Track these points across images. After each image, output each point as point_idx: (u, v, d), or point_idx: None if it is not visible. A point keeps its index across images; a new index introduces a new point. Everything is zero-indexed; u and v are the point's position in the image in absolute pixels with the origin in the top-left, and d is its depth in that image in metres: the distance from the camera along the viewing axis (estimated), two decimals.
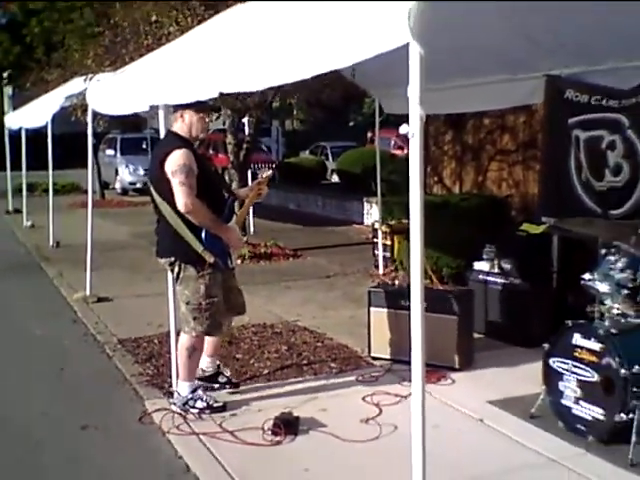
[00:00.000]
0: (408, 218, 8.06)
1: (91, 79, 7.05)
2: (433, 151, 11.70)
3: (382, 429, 4.15)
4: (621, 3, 4.15)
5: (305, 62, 2.64)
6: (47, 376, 5.30)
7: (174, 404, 4.47)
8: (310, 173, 18.79)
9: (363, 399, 4.62)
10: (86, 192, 8.72)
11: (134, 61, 6.72)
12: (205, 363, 4.72)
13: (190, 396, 4.43)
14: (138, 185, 19.68)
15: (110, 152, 21.50)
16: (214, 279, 4.28)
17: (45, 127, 10.42)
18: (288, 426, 4.13)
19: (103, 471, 3.83)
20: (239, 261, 7.74)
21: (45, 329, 6.48)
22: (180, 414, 4.38)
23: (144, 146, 20.16)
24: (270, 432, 4.11)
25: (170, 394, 4.67)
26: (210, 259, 4.20)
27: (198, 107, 4.28)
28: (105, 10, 12.00)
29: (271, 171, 4.82)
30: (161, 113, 4.67)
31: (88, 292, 7.51)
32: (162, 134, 4.71)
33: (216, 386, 4.75)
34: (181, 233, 4.19)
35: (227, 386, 4.80)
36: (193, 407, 4.41)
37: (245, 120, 10.23)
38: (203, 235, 4.19)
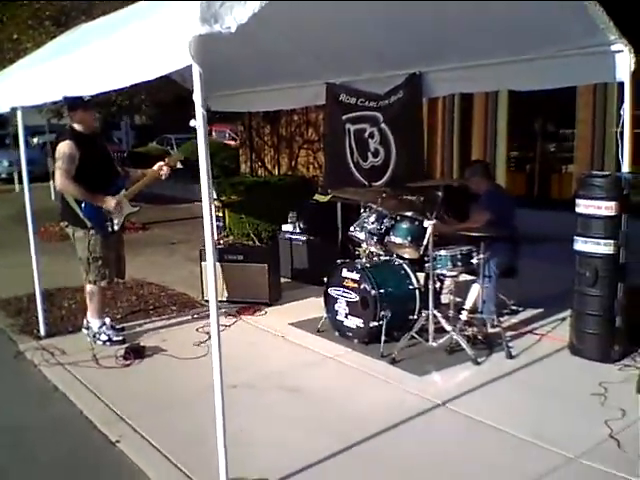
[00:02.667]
0: (234, 194, 8.60)
1: None
2: (256, 141, 12.23)
3: (210, 349, 4.66)
4: (372, 32, 4.90)
5: (118, 75, 3.03)
6: None
7: (88, 335, 4.87)
8: (156, 160, 18.47)
9: (196, 330, 5.05)
10: None
11: None
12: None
13: (97, 330, 4.83)
14: (3, 175, 18.85)
15: None
16: (97, 239, 4.65)
17: None
18: (136, 352, 4.56)
19: None
20: None
21: None
22: (47, 351, 4.67)
23: (7, 142, 19.09)
24: (122, 358, 4.51)
25: (38, 338, 4.93)
26: (88, 223, 4.59)
27: (85, 106, 4.59)
28: None
29: (175, 155, 5.09)
30: (19, 113, 4.80)
31: None
32: (20, 131, 4.90)
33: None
34: (70, 203, 4.60)
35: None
36: (99, 339, 4.81)
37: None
38: (83, 205, 4.57)
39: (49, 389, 4.11)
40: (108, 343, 4.81)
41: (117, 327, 5.12)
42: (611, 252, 4.01)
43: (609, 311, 4.08)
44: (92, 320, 4.87)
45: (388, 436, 3.33)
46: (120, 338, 4.87)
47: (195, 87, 2.59)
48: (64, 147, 4.52)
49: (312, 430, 3.42)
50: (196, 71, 2.57)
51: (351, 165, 6.18)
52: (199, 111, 2.62)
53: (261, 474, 2.96)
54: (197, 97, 2.61)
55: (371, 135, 5.88)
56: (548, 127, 9.59)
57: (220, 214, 9.19)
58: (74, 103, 4.57)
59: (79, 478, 3.14)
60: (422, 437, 3.33)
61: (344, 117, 6.07)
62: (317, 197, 6.76)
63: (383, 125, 5.76)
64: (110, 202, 4.63)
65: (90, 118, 4.74)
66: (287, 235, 6.72)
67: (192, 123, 2.67)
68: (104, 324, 4.89)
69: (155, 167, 5.01)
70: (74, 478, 3.14)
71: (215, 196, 8.79)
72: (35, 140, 19.82)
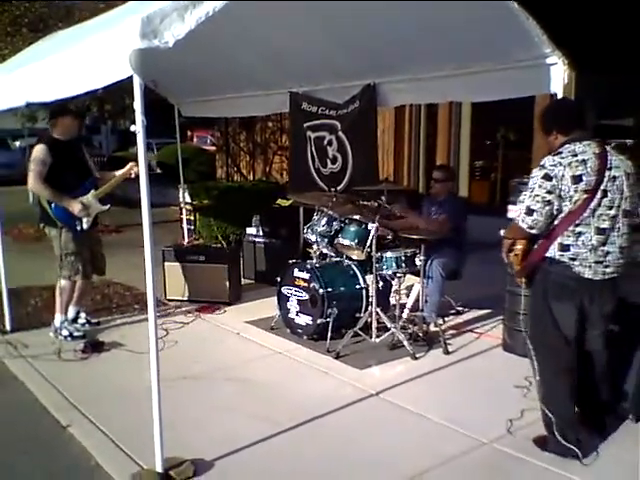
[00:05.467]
0: (208, 198, 8.83)
1: None
2: (232, 147, 12.48)
3: (166, 344, 4.89)
4: (326, 46, 5.19)
5: (72, 83, 3.28)
6: None
7: (51, 331, 5.10)
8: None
9: None
10: None
11: None
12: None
13: (59, 326, 5.08)
14: None
15: None
16: (68, 237, 4.92)
17: None
18: (94, 347, 4.81)
19: None
20: None
21: None
22: (11, 344, 4.91)
23: None
24: (81, 352, 4.74)
25: (4, 332, 5.17)
26: (58, 223, 4.88)
27: (64, 115, 4.90)
28: None
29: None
30: None
31: None
32: None
33: (78, 325, 5.31)
34: (43, 204, 4.91)
35: (87, 325, 5.38)
36: (61, 334, 5.06)
37: None
38: (53, 206, 4.86)
39: (9, 378, 4.34)
40: (69, 338, 5.05)
41: (92, 321, 5.44)
42: None
43: None
44: (56, 315, 5.12)
45: (320, 421, 3.59)
46: (81, 334, 5.11)
47: (135, 96, 2.83)
48: (36, 151, 4.84)
49: (251, 417, 3.67)
50: (136, 82, 2.81)
51: (312, 171, 6.44)
52: (139, 119, 2.86)
53: (197, 455, 3.21)
54: (137, 106, 2.85)
55: (329, 143, 6.15)
56: (510, 136, 9.94)
57: (192, 217, 9.45)
58: (53, 112, 4.94)
59: (31, 457, 3.36)
60: (351, 422, 3.60)
61: (305, 125, 6.34)
62: (279, 201, 7.02)
63: (340, 133, 6.03)
64: (74, 206, 4.88)
65: (68, 126, 4.96)
66: (251, 238, 6.97)
67: (132, 128, 2.89)
68: (66, 320, 5.13)
69: (126, 167, 5.22)
70: (26, 457, 3.36)
71: (188, 200, 9.05)
72: (17, 144, 19.97)
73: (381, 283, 4.87)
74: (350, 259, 5.06)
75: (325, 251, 5.12)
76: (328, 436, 3.45)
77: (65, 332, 5.08)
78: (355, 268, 5.01)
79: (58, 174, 4.84)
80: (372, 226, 4.59)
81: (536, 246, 3.07)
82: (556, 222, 2.96)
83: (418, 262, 4.67)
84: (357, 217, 4.89)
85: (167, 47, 2.84)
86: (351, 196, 5.43)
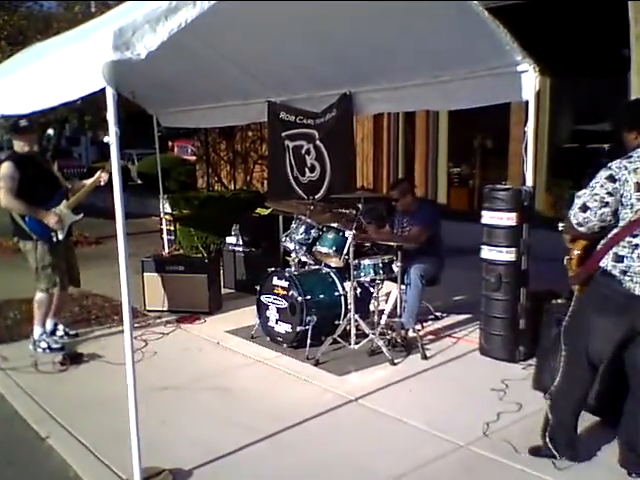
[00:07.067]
0: (188, 208, 8.81)
1: None
2: (213, 157, 12.49)
3: (145, 355, 4.91)
4: (303, 57, 5.26)
5: (46, 96, 3.28)
6: None
7: (30, 343, 5.10)
8: None
9: (135, 338, 5.23)
10: None
11: None
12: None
13: (37, 338, 5.08)
14: None
15: None
16: (44, 248, 4.92)
17: None
18: (73, 358, 4.80)
19: None
20: None
21: None
22: None
23: None
24: (59, 364, 4.72)
25: None
26: (33, 236, 4.87)
27: (19, 132, 4.89)
28: None
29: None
30: None
31: None
32: None
33: (57, 337, 5.29)
34: (15, 218, 4.91)
35: (65, 337, 5.36)
36: (39, 347, 5.05)
37: (50, 131, 10.33)
38: (27, 219, 4.86)
39: None
40: (48, 350, 5.03)
41: (71, 333, 5.42)
42: (513, 259, 4.39)
43: (513, 314, 4.44)
44: (35, 328, 5.10)
45: (300, 428, 3.61)
46: (59, 346, 5.09)
47: (109, 108, 2.85)
48: (3, 168, 4.84)
49: (230, 425, 3.68)
50: (109, 93, 2.84)
51: (291, 180, 6.50)
52: (112, 129, 2.88)
53: (176, 464, 3.22)
54: (110, 117, 2.87)
55: (307, 152, 6.22)
56: (487, 144, 10.08)
57: (172, 228, 9.44)
58: (10, 128, 5.01)
59: (11, 468, 3.36)
60: (330, 428, 3.63)
61: (284, 134, 6.40)
62: (259, 210, 7.05)
63: (318, 142, 6.11)
64: (50, 218, 4.89)
65: (24, 142, 4.94)
66: (230, 247, 6.99)
67: (106, 139, 2.91)
68: (44, 332, 5.11)
69: (95, 175, 5.22)
70: (6, 467, 3.35)
71: (169, 210, 9.05)
72: None
73: (359, 290, 4.91)
74: (329, 266, 5.10)
75: (304, 259, 5.16)
76: (308, 443, 3.47)
77: (44, 344, 5.07)
78: (334, 275, 5.05)
79: (28, 188, 4.85)
80: (349, 234, 4.64)
81: (593, 254, 2.92)
82: (615, 230, 2.82)
83: (396, 268, 4.72)
84: (335, 225, 4.93)
85: (139, 59, 2.87)
86: (329, 204, 5.48)
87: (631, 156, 2.81)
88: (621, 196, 2.76)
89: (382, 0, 4.18)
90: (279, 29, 4.85)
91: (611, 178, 2.77)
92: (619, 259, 2.81)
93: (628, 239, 2.79)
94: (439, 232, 5.27)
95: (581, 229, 2.87)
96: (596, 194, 2.79)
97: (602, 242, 2.88)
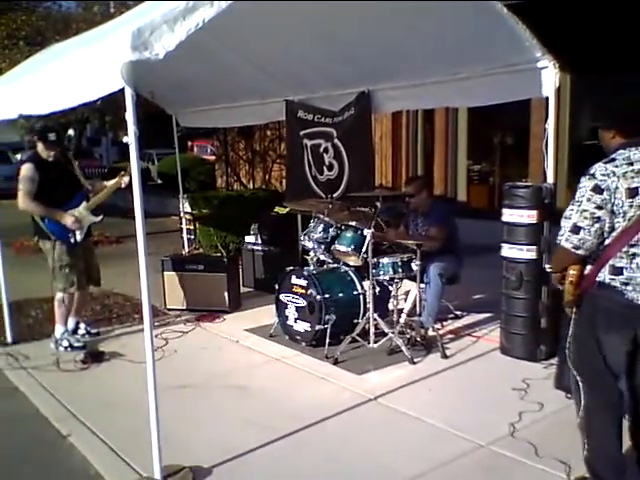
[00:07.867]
0: (207, 208, 8.86)
1: None
2: (231, 156, 12.53)
3: (165, 353, 4.94)
4: (320, 56, 5.25)
5: (65, 96, 3.32)
6: None
7: (52, 342, 5.15)
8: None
9: (155, 336, 5.30)
10: None
11: None
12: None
13: (59, 337, 5.13)
14: None
15: None
16: (62, 249, 4.98)
17: None
18: (94, 357, 4.85)
19: None
20: None
21: None
22: (12, 356, 4.97)
23: None
24: (81, 362, 4.78)
25: (5, 344, 5.23)
26: (52, 236, 4.94)
27: (45, 142, 4.93)
28: None
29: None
30: None
31: None
32: None
33: (78, 336, 5.35)
34: (36, 219, 4.97)
35: (87, 335, 5.43)
36: (61, 345, 5.11)
37: (71, 132, 10.44)
38: (46, 220, 4.93)
39: (10, 389, 4.39)
40: (69, 349, 5.08)
41: (92, 331, 5.48)
42: (534, 257, 4.34)
43: (534, 313, 4.39)
44: (57, 326, 5.17)
45: (319, 427, 3.61)
46: (81, 344, 5.15)
47: (127, 108, 2.87)
48: (24, 170, 4.91)
49: (248, 423, 3.69)
50: (128, 94, 2.85)
51: (310, 178, 6.50)
52: (131, 130, 2.90)
53: (195, 462, 3.23)
54: (129, 117, 2.89)
55: (326, 150, 6.21)
56: (507, 141, 9.98)
57: (191, 227, 9.50)
58: (38, 135, 5.07)
59: (32, 467, 3.40)
60: (349, 427, 3.62)
61: (302, 133, 6.40)
62: (277, 209, 7.06)
63: (336, 140, 6.10)
64: (67, 219, 4.95)
65: (48, 152, 4.98)
66: (249, 246, 7.01)
67: (125, 140, 2.94)
68: (66, 331, 5.17)
69: (116, 178, 5.26)
70: (27, 467, 3.40)
71: (188, 209, 9.10)
72: (18, 156, 20.13)
73: (378, 288, 4.89)
74: (347, 265, 5.09)
75: (322, 258, 5.15)
76: (327, 441, 3.47)
77: (65, 343, 5.13)
78: (352, 274, 5.03)
79: (49, 190, 4.91)
80: (368, 232, 4.62)
81: (587, 271, 2.65)
82: (608, 241, 2.56)
83: (415, 267, 4.69)
84: (353, 223, 4.92)
85: (158, 59, 2.88)
86: (347, 203, 5.46)
87: (615, 159, 2.55)
88: (612, 205, 2.50)
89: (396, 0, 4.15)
90: (297, 28, 4.85)
91: (597, 189, 2.50)
92: (617, 271, 2.57)
93: (625, 249, 2.55)
94: (456, 230, 5.23)
95: (579, 252, 2.59)
96: (584, 210, 2.52)
97: (593, 256, 2.63)
